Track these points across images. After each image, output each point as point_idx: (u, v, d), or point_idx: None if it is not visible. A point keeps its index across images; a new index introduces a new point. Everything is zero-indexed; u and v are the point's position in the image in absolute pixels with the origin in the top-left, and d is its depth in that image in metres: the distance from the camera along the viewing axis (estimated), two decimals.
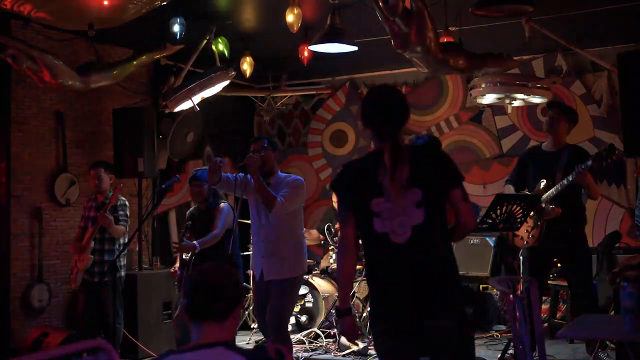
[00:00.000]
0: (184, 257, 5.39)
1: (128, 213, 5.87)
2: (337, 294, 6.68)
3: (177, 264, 5.63)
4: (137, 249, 6.88)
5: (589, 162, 4.83)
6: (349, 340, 3.05)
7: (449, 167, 2.93)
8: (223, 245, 5.33)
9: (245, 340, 6.57)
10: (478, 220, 4.67)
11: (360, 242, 3.03)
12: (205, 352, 2.10)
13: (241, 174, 4.62)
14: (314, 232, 7.51)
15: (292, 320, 6.73)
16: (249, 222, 5.03)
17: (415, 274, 2.82)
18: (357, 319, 6.60)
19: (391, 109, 2.94)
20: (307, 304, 6.83)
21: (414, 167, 2.84)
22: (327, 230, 7.25)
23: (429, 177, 2.86)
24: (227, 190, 4.74)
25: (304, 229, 4.99)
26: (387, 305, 2.89)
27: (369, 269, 3.00)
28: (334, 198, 7.36)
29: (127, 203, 5.90)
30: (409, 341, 2.85)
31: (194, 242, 5.23)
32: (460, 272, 7.53)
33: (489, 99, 6.29)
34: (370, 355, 6.03)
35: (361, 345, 6.07)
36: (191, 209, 5.81)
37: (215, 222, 5.39)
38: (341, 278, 3.08)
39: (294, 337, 6.48)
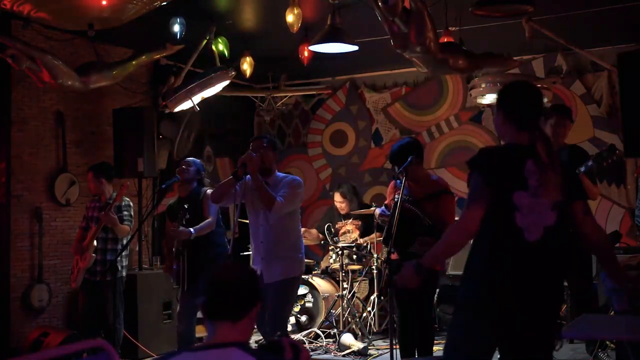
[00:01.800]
0: (174, 248, 5.32)
1: (132, 213, 5.88)
2: (337, 293, 6.71)
3: (167, 262, 5.57)
4: (137, 249, 6.88)
5: (588, 163, 4.82)
6: (401, 283, 2.99)
7: (576, 178, 3.01)
8: (214, 235, 5.32)
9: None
10: None
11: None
12: (218, 352, 2.08)
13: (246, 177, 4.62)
14: (314, 231, 7.50)
15: (292, 320, 6.73)
16: (248, 221, 5.02)
17: (539, 275, 2.85)
18: (357, 319, 6.60)
19: (541, 100, 3.00)
20: (307, 304, 6.83)
21: (561, 170, 2.88)
22: (327, 230, 7.25)
23: (569, 185, 2.90)
24: (230, 202, 4.70)
25: (303, 228, 4.99)
26: (501, 298, 2.86)
27: (493, 259, 2.90)
28: (337, 197, 7.35)
29: (131, 204, 5.90)
30: (498, 336, 2.89)
31: (190, 229, 5.19)
32: (460, 272, 7.46)
33: (489, 99, 6.29)
34: (370, 355, 6.03)
35: (361, 345, 6.06)
36: (170, 202, 5.69)
37: (207, 210, 5.31)
38: (445, 251, 3.05)
39: (294, 337, 6.48)
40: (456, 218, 4.69)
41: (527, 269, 2.85)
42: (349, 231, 7.22)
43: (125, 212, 5.80)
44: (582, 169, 4.81)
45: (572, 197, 2.93)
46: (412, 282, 2.99)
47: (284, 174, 4.82)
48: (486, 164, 2.94)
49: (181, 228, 5.13)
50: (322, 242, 7.43)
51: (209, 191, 5.42)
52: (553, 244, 2.86)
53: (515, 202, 2.83)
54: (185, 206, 5.18)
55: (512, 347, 2.93)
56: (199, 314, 6.02)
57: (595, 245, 2.96)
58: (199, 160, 5.64)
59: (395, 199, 4.58)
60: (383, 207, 4.98)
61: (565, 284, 5.64)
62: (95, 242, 5.67)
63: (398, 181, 4.66)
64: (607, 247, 3.04)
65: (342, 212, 7.31)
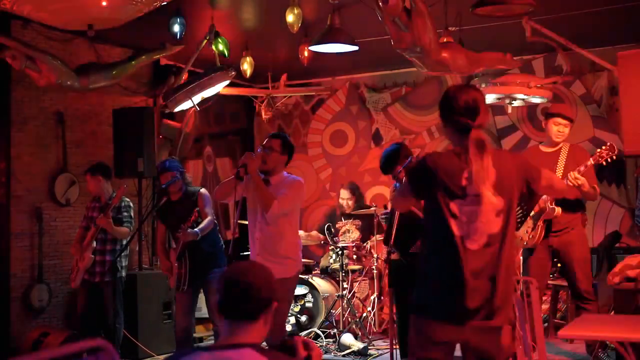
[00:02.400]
0: (177, 251, 5.32)
1: (132, 214, 5.87)
2: (337, 293, 6.71)
3: (163, 262, 5.54)
4: (137, 249, 6.88)
5: (587, 163, 4.82)
6: None
7: (528, 167, 3.00)
8: (209, 235, 5.34)
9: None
10: None
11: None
12: (232, 352, 2.06)
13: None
14: (315, 234, 7.51)
15: (292, 320, 6.74)
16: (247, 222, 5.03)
17: (483, 281, 2.82)
18: (357, 319, 6.60)
19: (475, 102, 2.93)
20: (307, 304, 6.83)
21: (499, 173, 2.84)
22: (327, 230, 7.26)
23: (512, 186, 2.87)
24: (232, 199, 4.69)
25: (305, 232, 4.97)
26: (446, 306, 2.86)
27: (433, 267, 2.92)
28: (343, 194, 7.35)
29: (131, 204, 5.90)
30: (451, 341, 2.89)
31: (196, 229, 5.21)
32: None
33: (489, 99, 6.28)
34: (370, 355, 6.03)
35: (361, 345, 6.07)
36: (160, 204, 5.62)
37: (205, 210, 5.34)
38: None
39: None
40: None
41: (467, 275, 2.81)
42: (349, 231, 7.22)
43: (125, 213, 5.79)
44: (582, 168, 4.81)
45: (532, 181, 2.96)
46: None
47: (287, 174, 4.79)
48: (418, 175, 2.97)
49: (189, 230, 5.15)
50: (322, 242, 7.44)
51: (203, 190, 5.44)
52: (499, 249, 2.83)
53: (453, 211, 2.83)
54: (197, 209, 5.23)
55: (470, 350, 2.92)
56: (199, 314, 6.04)
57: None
58: (175, 160, 5.61)
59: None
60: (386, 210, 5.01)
61: (565, 283, 5.65)
62: (94, 243, 5.68)
63: (397, 184, 4.68)
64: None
65: (348, 210, 7.33)
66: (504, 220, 2.83)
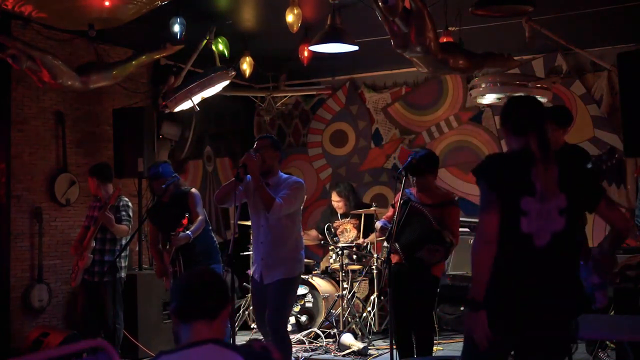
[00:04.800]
0: (170, 254, 5.31)
1: (131, 213, 5.87)
2: (337, 293, 6.71)
3: (158, 266, 5.54)
4: (137, 249, 6.88)
5: (588, 166, 4.82)
6: (478, 339, 2.77)
7: (593, 180, 3.00)
8: (202, 234, 5.34)
9: (245, 340, 6.57)
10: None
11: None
12: (196, 350, 2.11)
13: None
14: (313, 232, 7.50)
15: (292, 320, 6.74)
16: (249, 223, 5.03)
17: (549, 280, 2.83)
18: (357, 319, 6.60)
19: (534, 105, 3.01)
20: (307, 304, 6.83)
21: (562, 171, 2.85)
22: (326, 230, 7.25)
23: (575, 185, 2.87)
24: (232, 203, 4.68)
25: (303, 230, 4.97)
26: (515, 304, 2.85)
27: (504, 265, 2.86)
28: (334, 197, 7.35)
29: (130, 204, 5.90)
30: (516, 340, 2.88)
31: (188, 232, 5.21)
32: (461, 272, 7.43)
33: (489, 99, 6.29)
34: (370, 355, 6.03)
35: (361, 345, 6.06)
36: (150, 207, 5.67)
37: (196, 210, 5.35)
38: (480, 270, 2.83)
39: (294, 337, 6.48)
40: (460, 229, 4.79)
41: (535, 274, 2.82)
42: (347, 230, 7.21)
43: (124, 212, 5.80)
44: None
45: (595, 201, 2.93)
46: (481, 328, 2.82)
47: (287, 175, 4.80)
48: (489, 170, 2.93)
49: (181, 234, 5.16)
50: (322, 242, 7.43)
51: (194, 190, 5.45)
52: (561, 249, 2.83)
53: (523, 208, 2.82)
54: (186, 214, 5.23)
55: (527, 351, 2.91)
56: None
57: (618, 232, 3.01)
58: (167, 165, 5.61)
59: (401, 201, 4.64)
60: (384, 221, 4.98)
61: None
62: (93, 243, 5.68)
63: (407, 190, 4.72)
64: (624, 238, 3.09)
65: (340, 212, 7.30)
66: (567, 219, 2.83)
